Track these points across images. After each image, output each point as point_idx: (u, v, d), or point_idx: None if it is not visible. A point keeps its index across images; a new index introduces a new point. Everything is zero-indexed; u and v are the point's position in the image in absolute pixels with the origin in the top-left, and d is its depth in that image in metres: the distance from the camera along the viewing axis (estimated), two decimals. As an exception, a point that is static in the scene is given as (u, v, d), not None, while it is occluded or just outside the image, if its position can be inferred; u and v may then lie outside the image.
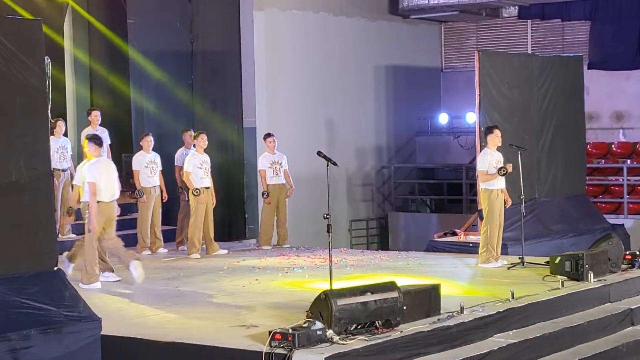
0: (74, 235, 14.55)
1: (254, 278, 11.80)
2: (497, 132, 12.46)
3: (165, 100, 16.58)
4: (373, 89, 20.59)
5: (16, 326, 7.37)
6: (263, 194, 14.69)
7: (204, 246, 14.02)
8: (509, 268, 12.16)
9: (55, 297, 7.76)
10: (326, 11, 19.40)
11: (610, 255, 11.54)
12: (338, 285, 9.27)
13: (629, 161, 19.39)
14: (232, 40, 16.36)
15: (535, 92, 15.66)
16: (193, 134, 14.53)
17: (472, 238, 14.47)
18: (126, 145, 16.62)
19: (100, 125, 15.25)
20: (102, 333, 7.91)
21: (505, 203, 12.52)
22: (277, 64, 18.14)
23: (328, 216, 9.04)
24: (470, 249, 13.67)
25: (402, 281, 9.69)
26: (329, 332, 7.98)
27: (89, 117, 15.28)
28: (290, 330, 7.80)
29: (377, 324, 8.35)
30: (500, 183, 12.41)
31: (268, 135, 14.86)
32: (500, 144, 12.50)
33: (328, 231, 9.07)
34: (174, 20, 16.75)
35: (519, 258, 12.35)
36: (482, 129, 14.10)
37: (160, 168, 14.24)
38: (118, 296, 10.64)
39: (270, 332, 7.88)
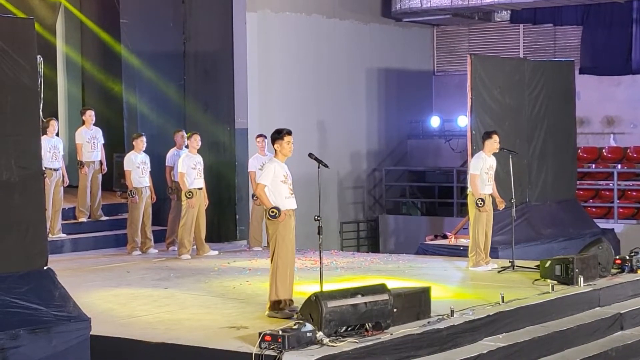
0: (64, 235, 14.55)
1: (244, 279, 11.80)
2: (495, 138, 12.44)
3: (157, 100, 16.56)
4: (365, 92, 20.61)
5: (5, 326, 7.35)
6: (253, 195, 14.65)
7: (195, 247, 14.01)
8: (499, 271, 12.17)
9: (44, 297, 7.75)
10: (319, 13, 19.41)
11: (600, 259, 11.57)
12: (328, 287, 9.27)
13: (619, 166, 19.46)
14: (224, 41, 16.34)
15: (527, 96, 15.70)
16: (185, 134, 14.51)
17: (462, 241, 14.48)
18: (118, 145, 16.58)
19: (93, 124, 15.24)
20: (91, 333, 7.90)
21: (497, 206, 12.54)
22: (269, 66, 18.13)
23: (319, 218, 9.03)
24: (461, 252, 13.69)
25: (393, 284, 9.71)
26: (319, 334, 7.99)
27: (83, 117, 15.26)
28: (280, 332, 7.80)
29: (367, 326, 8.35)
30: (488, 188, 12.42)
31: (259, 136, 14.85)
32: (497, 150, 12.48)
33: (319, 233, 9.06)
34: (166, 21, 16.73)
35: (510, 262, 12.36)
36: (474, 132, 14.16)
37: (149, 169, 14.25)
38: (108, 296, 10.62)
39: (260, 334, 7.88)
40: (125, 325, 9.04)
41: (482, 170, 12.34)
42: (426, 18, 21.01)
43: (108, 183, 16.19)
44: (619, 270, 11.93)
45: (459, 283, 11.75)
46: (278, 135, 9.38)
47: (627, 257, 12.12)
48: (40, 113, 8.16)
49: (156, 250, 14.34)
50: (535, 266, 11.81)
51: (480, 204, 12.20)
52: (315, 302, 8.12)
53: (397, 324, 8.61)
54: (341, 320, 8.17)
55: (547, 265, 11.26)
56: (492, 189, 12.50)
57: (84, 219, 15.24)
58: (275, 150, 9.45)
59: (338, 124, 19.69)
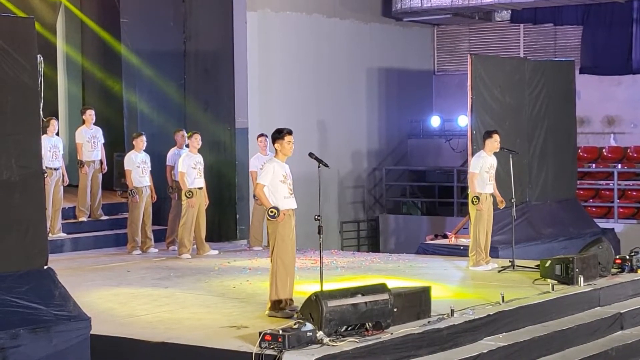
0: (64, 235, 14.55)
1: (244, 279, 11.80)
2: (495, 137, 12.46)
3: (158, 99, 16.56)
4: (365, 91, 20.60)
5: (5, 325, 7.35)
6: (254, 195, 14.65)
7: (195, 246, 14.01)
8: (499, 271, 12.18)
9: (45, 296, 7.75)
10: (319, 13, 19.41)
11: (601, 259, 11.57)
12: (329, 286, 9.27)
13: (619, 166, 19.46)
14: (224, 40, 16.34)
15: (527, 96, 15.69)
16: (185, 134, 14.52)
17: (462, 241, 14.48)
18: (118, 144, 16.59)
19: (93, 124, 15.24)
20: (92, 333, 7.89)
21: (498, 205, 12.55)
22: (269, 65, 18.13)
23: (319, 218, 9.03)
24: (461, 251, 13.69)
25: (393, 283, 9.71)
26: (319, 334, 7.99)
27: (83, 116, 15.26)
28: (280, 332, 7.80)
29: (368, 326, 8.36)
30: (489, 187, 12.44)
31: (260, 135, 14.85)
32: (497, 149, 12.50)
33: (319, 233, 9.06)
34: (167, 20, 16.73)
35: (510, 261, 12.36)
36: (474, 132, 14.16)
37: (150, 168, 14.25)
38: (108, 296, 10.62)
39: (260, 333, 7.88)
40: (125, 324, 9.05)
41: (483, 170, 12.35)
42: (426, 18, 21.00)
43: (108, 182, 16.19)
44: (619, 269, 11.93)
45: (459, 283, 11.75)
46: (279, 134, 9.39)
47: (627, 257, 12.12)
48: (41, 112, 8.15)
49: (156, 250, 14.34)
50: (536, 266, 11.81)
51: (476, 201, 12.23)
52: (315, 301, 8.12)
53: (397, 323, 8.61)
54: (341, 319, 8.17)
55: (547, 264, 11.26)
56: (492, 188, 12.51)
57: (84, 219, 15.24)
58: (275, 149, 9.48)
59: (338, 124, 19.69)
